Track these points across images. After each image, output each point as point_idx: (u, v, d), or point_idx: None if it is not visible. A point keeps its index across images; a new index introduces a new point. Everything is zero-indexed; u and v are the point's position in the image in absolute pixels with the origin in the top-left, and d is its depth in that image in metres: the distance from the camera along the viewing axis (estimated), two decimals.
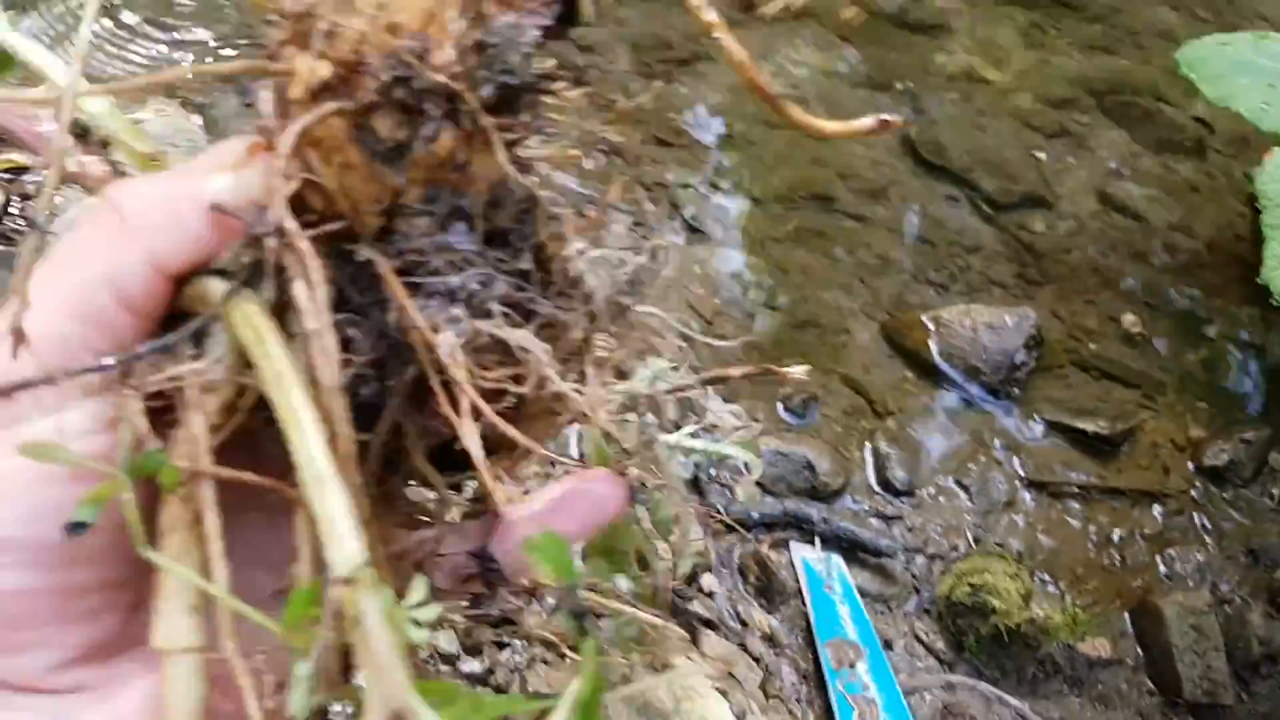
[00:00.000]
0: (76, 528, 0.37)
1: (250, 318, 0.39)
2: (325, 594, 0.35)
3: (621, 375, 0.47)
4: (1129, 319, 2.07)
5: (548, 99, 0.42)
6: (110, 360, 0.39)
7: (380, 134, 0.40)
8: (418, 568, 0.43)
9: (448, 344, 0.39)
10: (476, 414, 0.38)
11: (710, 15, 0.42)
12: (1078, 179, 2.30)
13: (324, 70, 0.39)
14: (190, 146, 1.98)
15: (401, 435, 0.42)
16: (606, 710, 1.34)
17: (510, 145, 0.42)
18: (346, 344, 0.39)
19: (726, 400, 1.84)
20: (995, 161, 2.27)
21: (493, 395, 0.39)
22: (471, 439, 0.38)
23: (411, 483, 0.44)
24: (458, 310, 0.41)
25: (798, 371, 0.53)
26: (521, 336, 0.43)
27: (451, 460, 0.42)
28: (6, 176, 1.94)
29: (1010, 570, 1.59)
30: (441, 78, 0.38)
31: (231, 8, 2.23)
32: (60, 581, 0.38)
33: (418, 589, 0.35)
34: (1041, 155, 2.32)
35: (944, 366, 1.93)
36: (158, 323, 0.41)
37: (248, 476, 0.39)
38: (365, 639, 0.33)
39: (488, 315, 0.41)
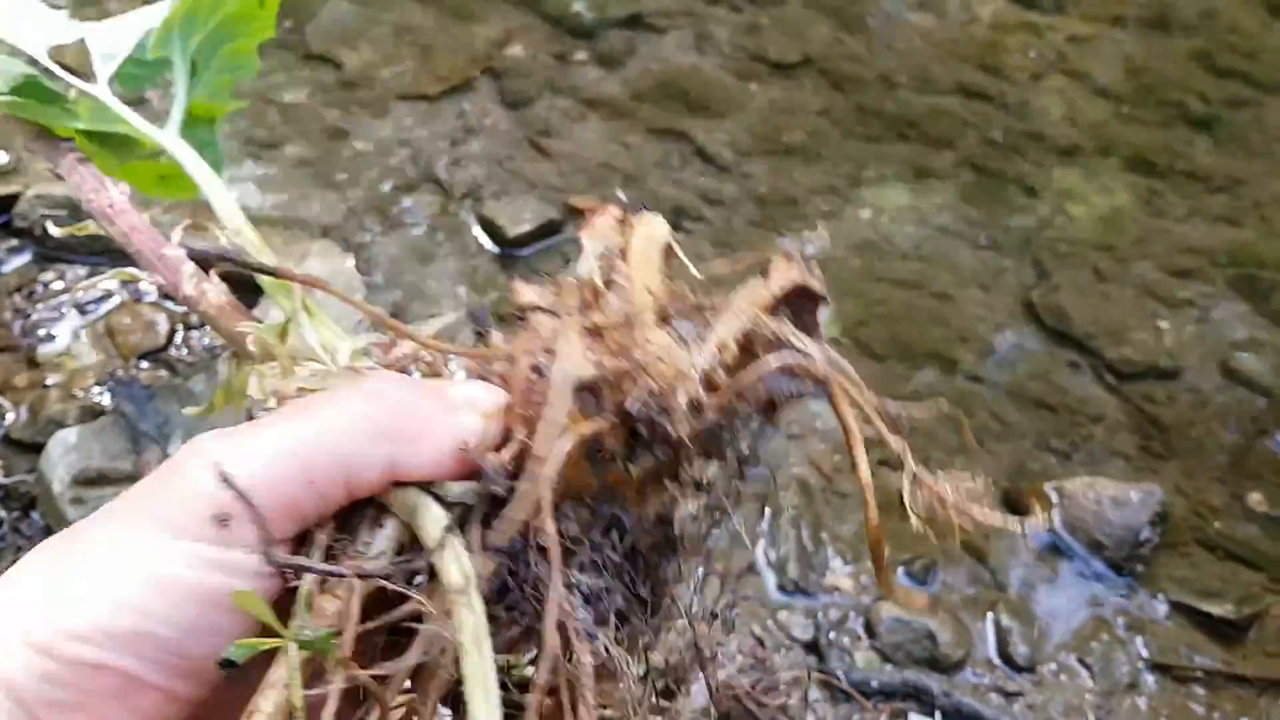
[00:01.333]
0: (227, 664, 0.41)
1: (460, 560, 0.44)
2: None
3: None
4: (1255, 497, 2.04)
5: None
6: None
7: (604, 444, 0.47)
8: None
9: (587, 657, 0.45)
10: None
11: (865, 475, 0.52)
12: (1202, 350, 2.30)
13: (589, 371, 0.46)
14: (345, 285, 2.08)
15: None
16: None
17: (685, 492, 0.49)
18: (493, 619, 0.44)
19: (846, 561, 1.86)
20: (1118, 330, 2.29)
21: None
22: None
23: None
24: (586, 614, 0.47)
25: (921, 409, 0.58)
26: (621, 656, 0.48)
27: None
28: (174, 306, 2.07)
29: None
30: (673, 430, 0.46)
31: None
32: (163, 685, 0.41)
33: None
34: (1164, 325, 2.33)
35: (1067, 538, 1.92)
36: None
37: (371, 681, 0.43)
38: None
39: (604, 623, 0.48)
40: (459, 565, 0.44)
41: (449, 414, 0.45)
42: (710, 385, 0.48)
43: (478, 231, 2.31)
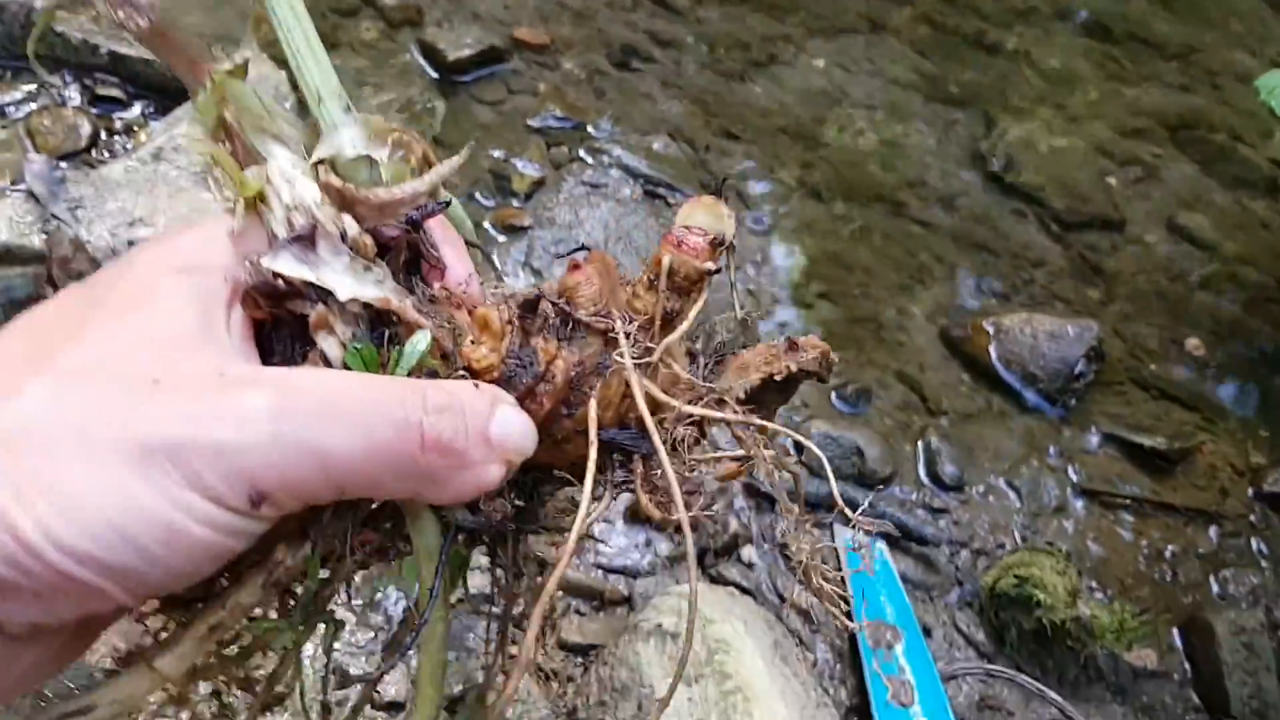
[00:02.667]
0: None
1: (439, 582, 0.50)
2: None
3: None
4: (1192, 343, 2.04)
5: None
6: None
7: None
8: None
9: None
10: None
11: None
12: (1148, 206, 2.29)
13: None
14: (274, 92, 2.01)
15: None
16: (641, 656, 1.32)
17: None
18: None
19: None
20: (1066, 182, 2.26)
21: None
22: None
23: None
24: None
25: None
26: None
27: None
28: (96, 111, 1.99)
29: (1059, 567, 1.56)
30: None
31: None
32: (120, 600, 0.42)
33: None
34: (1113, 181, 2.31)
35: (1002, 371, 1.91)
36: None
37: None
38: None
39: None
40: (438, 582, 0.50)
41: (483, 463, 0.47)
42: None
43: (418, 57, 2.23)
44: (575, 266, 0.54)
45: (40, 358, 0.43)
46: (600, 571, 1.53)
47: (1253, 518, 1.82)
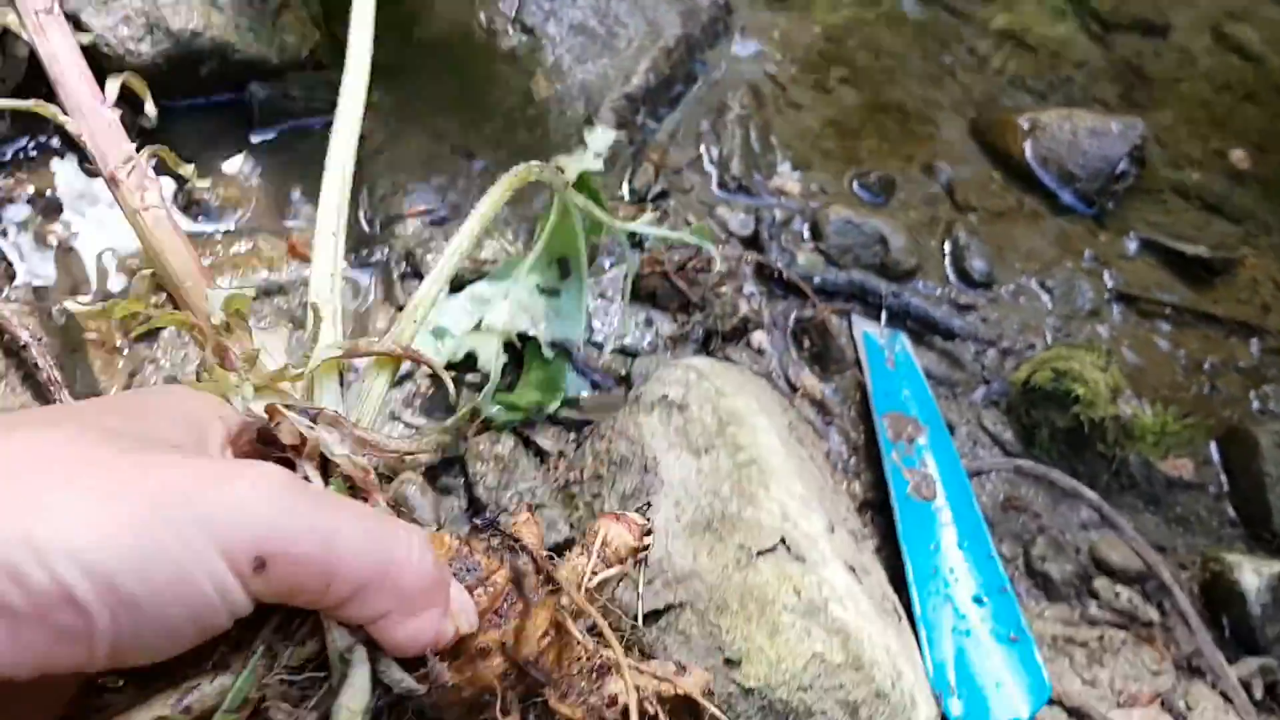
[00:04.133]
0: None
1: None
2: None
3: None
4: (1238, 154, 1.88)
5: None
6: None
7: None
8: None
9: None
10: None
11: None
12: (1193, 15, 2.10)
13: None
14: None
15: None
16: (643, 428, 1.17)
17: None
18: None
19: (795, 166, 1.66)
20: None
21: None
22: None
23: None
24: None
25: None
26: None
27: None
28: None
29: (1099, 363, 1.42)
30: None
31: None
32: (91, 631, 0.40)
33: None
34: None
35: (1037, 169, 1.74)
36: None
37: None
38: None
39: None
40: None
41: (443, 618, 0.51)
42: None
43: None
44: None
45: (70, 413, 0.47)
46: (595, 349, 1.38)
47: None
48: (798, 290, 1.50)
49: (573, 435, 1.27)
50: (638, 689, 0.59)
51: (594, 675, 0.60)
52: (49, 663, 0.39)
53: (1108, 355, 1.46)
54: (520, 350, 1.28)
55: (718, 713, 0.61)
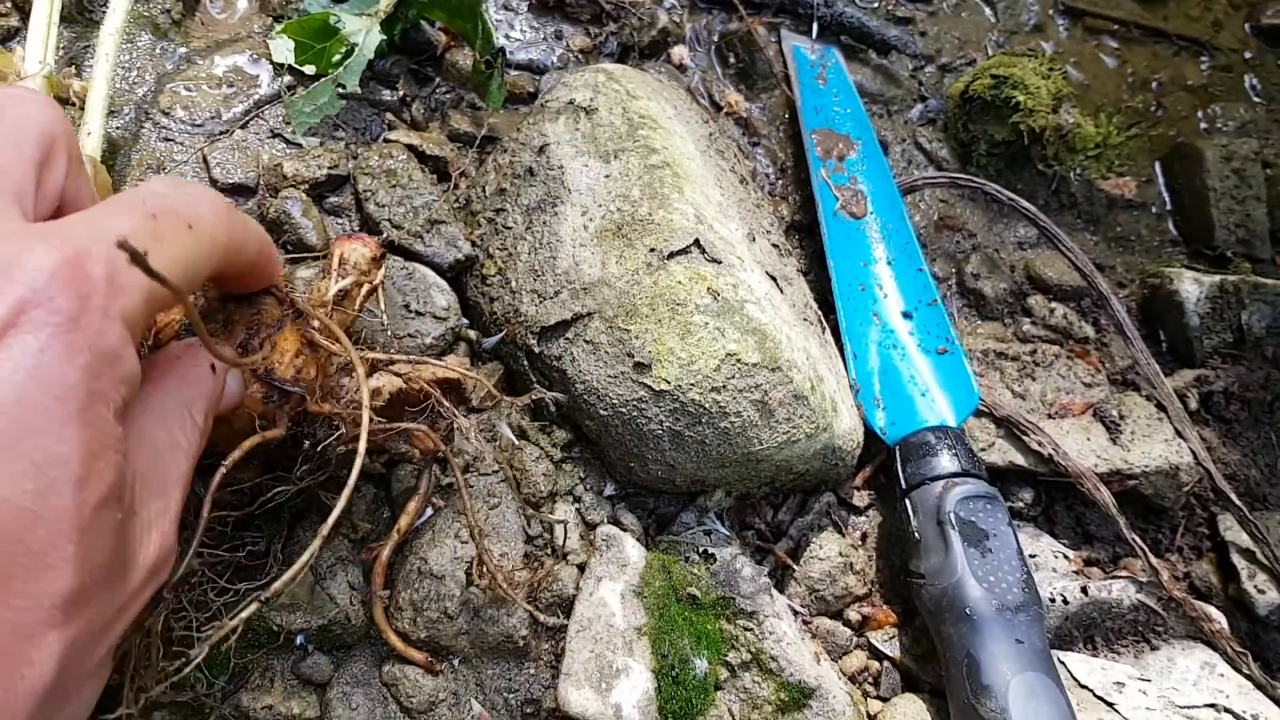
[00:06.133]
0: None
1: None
2: None
3: None
4: None
5: None
6: None
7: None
8: None
9: None
10: None
11: None
12: None
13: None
14: None
15: None
16: (549, 136, 1.07)
17: None
18: None
19: None
20: None
21: None
22: None
23: None
24: None
25: None
26: None
27: None
28: None
29: (1041, 70, 1.33)
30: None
31: None
32: None
33: None
34: None
35: None
36: None
37: None
38: None
39: None
40: None
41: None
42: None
43: None
44: None
45: None
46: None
47: (1247, 52, 1.60)
48: (723, 1, 1.38)
49: (473, 151, 1.16)
50: (388, 371, 0.70)
51: (350, 376, 0.66)
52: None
53: (1051, 62, 1.36)
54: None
55: (475, 376, 0.75)
